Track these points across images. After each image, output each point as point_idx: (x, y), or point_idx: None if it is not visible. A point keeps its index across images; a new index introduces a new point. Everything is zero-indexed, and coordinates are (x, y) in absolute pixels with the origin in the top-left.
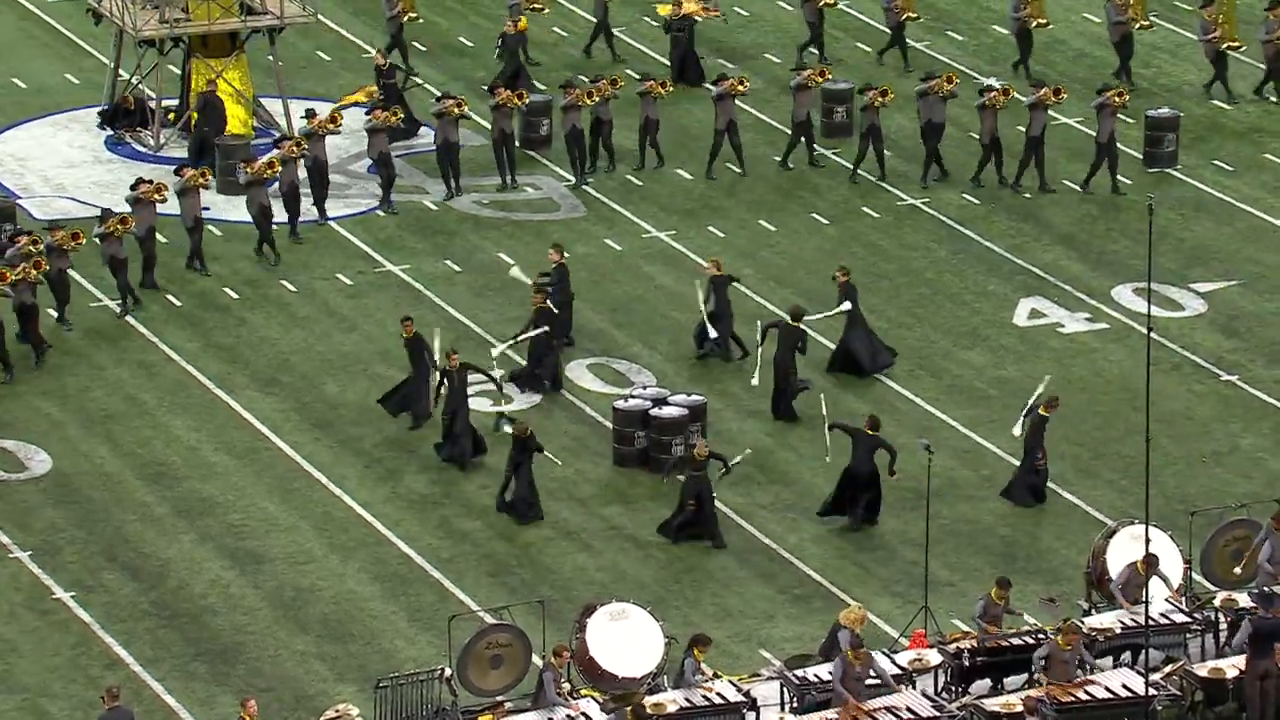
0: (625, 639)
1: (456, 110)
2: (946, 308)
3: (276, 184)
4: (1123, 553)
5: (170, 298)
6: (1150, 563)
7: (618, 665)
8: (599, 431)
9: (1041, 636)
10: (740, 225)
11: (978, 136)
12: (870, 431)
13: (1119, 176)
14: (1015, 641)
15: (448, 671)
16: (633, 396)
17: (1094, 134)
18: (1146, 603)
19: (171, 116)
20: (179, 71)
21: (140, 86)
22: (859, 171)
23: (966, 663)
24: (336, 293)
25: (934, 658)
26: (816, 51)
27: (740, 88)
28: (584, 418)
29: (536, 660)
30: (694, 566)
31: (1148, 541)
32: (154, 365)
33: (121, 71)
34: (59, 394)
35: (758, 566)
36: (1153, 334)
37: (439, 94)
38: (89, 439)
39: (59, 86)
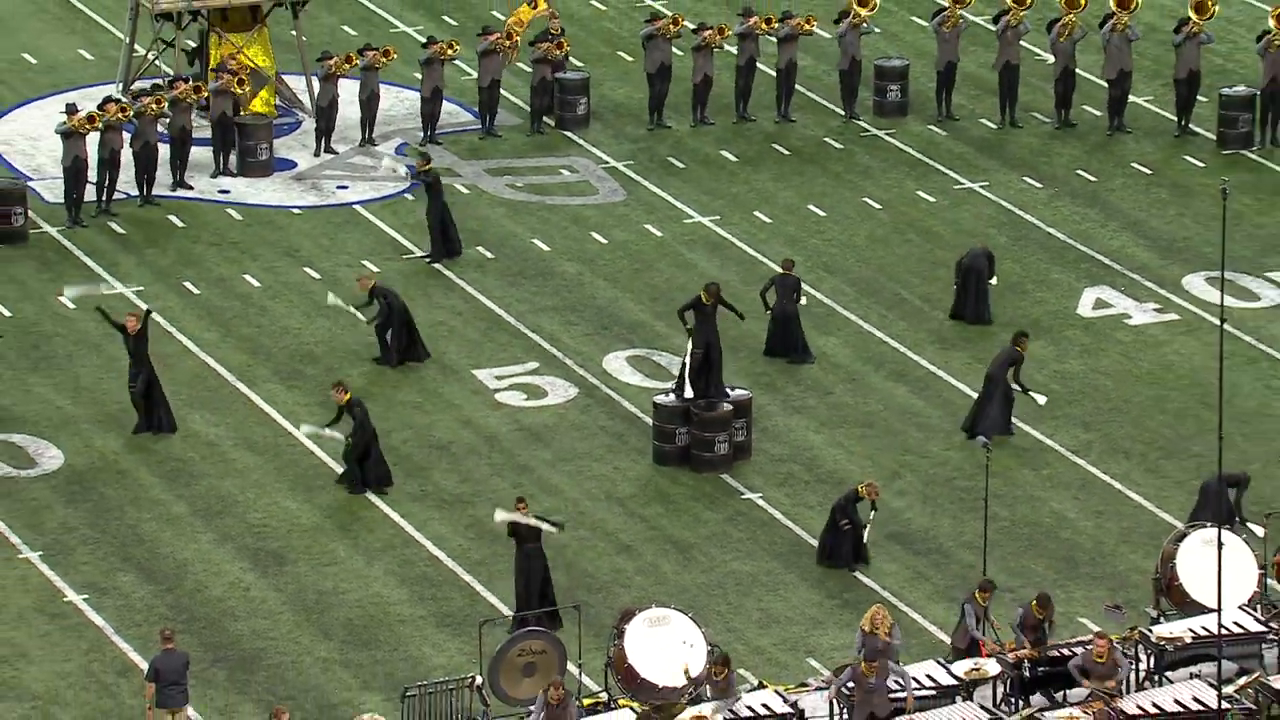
0: (665, 646)
1: (155, 108)
2: (1006, 297)
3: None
4: (1194, 557)
5: (188, 285)
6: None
7: (657, 674)
8: (638, 428)
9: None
10: (789, 210)
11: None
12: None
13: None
14: (1080, 651)
15: (478, 680)
16: (674, 391)
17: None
18: (1220, 610)
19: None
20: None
21: (157, 63)
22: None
23: (1027, 674)
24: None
25: (992, 668)
26: None
27: (718, 38)
28: (623, 413)
29: (571, 668)
30: (738, 570)
31: (1220, 546)
32: (170, 357)
33: (138, 47)
34: (71, 386)
35: (805, 570)
36: (1226, 325)
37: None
38: (103, 434)
39: (71, 63)
